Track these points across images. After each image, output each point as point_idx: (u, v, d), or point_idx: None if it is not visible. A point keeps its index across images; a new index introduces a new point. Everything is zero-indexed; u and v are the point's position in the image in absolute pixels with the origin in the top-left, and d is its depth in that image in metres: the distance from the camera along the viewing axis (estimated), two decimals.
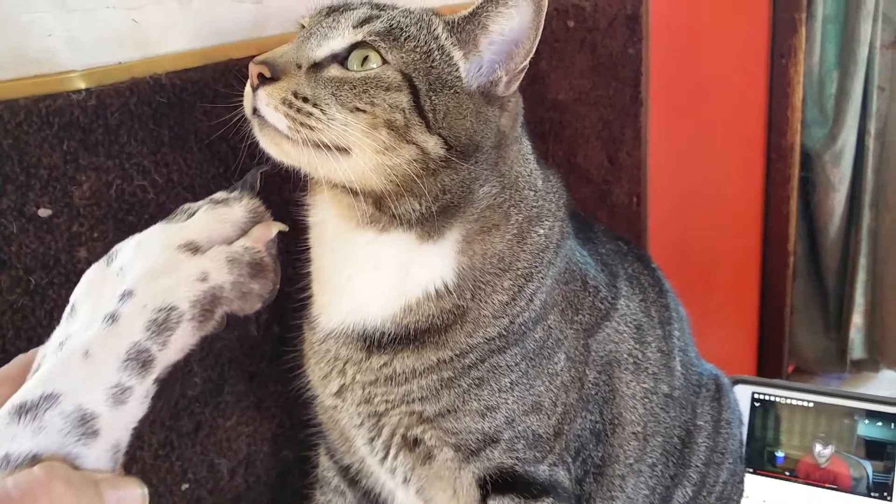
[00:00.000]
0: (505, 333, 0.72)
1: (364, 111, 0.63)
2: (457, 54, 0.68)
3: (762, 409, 1.09)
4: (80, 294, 0.48)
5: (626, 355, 0.82)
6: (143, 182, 0.74)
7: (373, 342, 0.71)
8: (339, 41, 0.66)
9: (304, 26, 0.70)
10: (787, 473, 1.07)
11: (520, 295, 0.73)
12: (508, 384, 0.72)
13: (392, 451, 0.74)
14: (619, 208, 1.52)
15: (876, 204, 2.43)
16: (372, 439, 0.74)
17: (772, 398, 1.09)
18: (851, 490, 1.03)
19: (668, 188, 1.71)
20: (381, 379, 0.71)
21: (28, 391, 0.42)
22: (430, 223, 0.68)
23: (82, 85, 0.71)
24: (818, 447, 1.06)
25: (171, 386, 0.79)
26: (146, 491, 0.43)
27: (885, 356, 2.51)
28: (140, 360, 0.44)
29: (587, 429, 0.79)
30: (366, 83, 0.64)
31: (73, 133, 0.70)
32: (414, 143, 0.65)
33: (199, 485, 0.83)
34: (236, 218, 0.53)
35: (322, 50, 0.66)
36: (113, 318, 0.45)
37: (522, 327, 0.73)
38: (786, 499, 1.06)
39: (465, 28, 0.68)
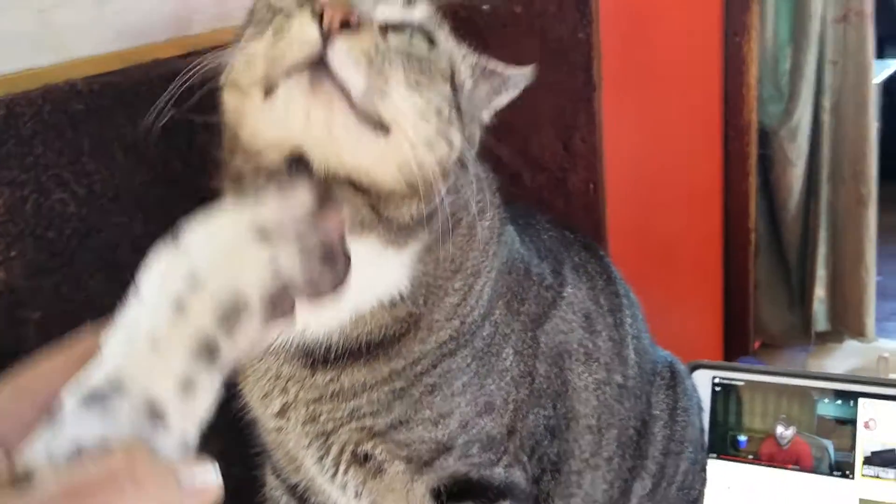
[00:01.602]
0: (456, 335, 0.69)
1: (420, 92, 0.57)
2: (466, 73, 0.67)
3: (723, 394, 1.08)
4: (147, 277, 0.45)
5: (575, 345, 0.80)
6: (63, 195, 0.70)
7: (317, 357, 0.67)
8: (411, 14, 0.60)
9: None
10: (751, 457, 1.06)
11: (470, 294, 0.71)
12: (461, 387, 0.70)
13: (342, 468, 0.71)
14: (576, 195, 1.50)
15: (833, 178, 2.45)
16: (321, 458, 0.71)
17: (732, 382, 1.08)
18: (814, 470, 1.03)
19: (625, 172, 1.70)
20: (326, 395, 0.67)
21: (96, 379, 0.40)
22: (404, 230, 0.63)
23: None
24: (780, 429, 1.05)
25: None
26: (220, 480, 0.42)
27: (848, 327, 2.53)
28: (208, 350, 0.42)
29: (541, 425, 0.76)
30: (425, 63, 0.59)
31: None
32: (448, 141, 0.60)
33: None
34: (304, 200, 0.49)
35: (392, 12, 0.59)
36: (180, 305, 0.42)
37: (472, 326, 0.71)
38: (750, 482, 1.06)
39: (483, 71, 0.70)
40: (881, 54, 2.86)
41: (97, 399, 0.39)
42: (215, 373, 0.42)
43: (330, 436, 0.70)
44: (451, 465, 0.70)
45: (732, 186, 2.29)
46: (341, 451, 0.70)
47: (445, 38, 0.65)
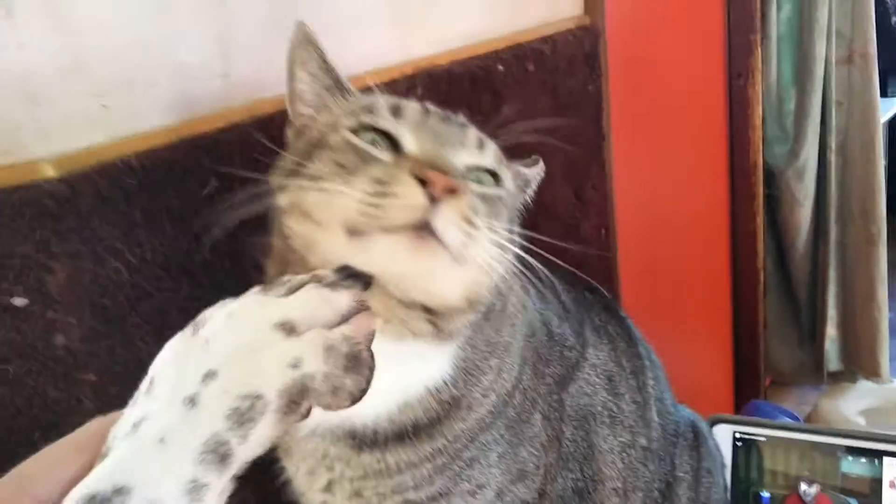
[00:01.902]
0: (492, 409, 0.72)
1: (493, 225, 0.60)
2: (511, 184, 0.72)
3: (745, 449, 1.09)
4: (161, 367, 0.43)
5: (600, 408, 0.83)
6: (117, 264, 0.75)
7: (364, 439, 0.69)
8: (484, 159, 0.65)
9: (370, 87, 0.71)
10: None
11: (503, 368, 0.74)
12: (496, 458, 0.73)
13: None
14: (588, 242, 1.54)
15: (842, 216, 2.48)
16: None
17: (754, 437, 1.09)
18: None
19: (635, 216, 1.74)
20: (371, 473, 0.70)
21: (99, 481, 0.38)
22: (455, 332, 0.67)
23: (53, 173, 0.72)
24: (803, 486, 1.06)
25: None
26: None
27: (860, 367, 2.54)
28: (218, 452, 0.39)
29: (569, 487, 0.79)
30: (495, 201, 0.64)
31: (45, 222, 0.70)
32: (507, 256, 0.62)
33: None
34: (341, 304, 0.47)
35: (468, 158, 0.64)
36: (192, 401, 0.40)
37: (505, 397, 0.74)
38: None
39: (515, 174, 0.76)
40: (885, 92, 2.89)
41: None
42: (225, 475, 0.40)
43: None
44: None
45: (740, 227, 2.33)
46: None
47: (502, 162, 0.69)
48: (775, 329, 2.54)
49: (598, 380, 0.83)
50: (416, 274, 0.58)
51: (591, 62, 1.47)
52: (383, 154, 0.60)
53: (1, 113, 0.70)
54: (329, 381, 0.43)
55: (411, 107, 0.65)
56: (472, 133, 0.67)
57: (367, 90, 0.99)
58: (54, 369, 0.72)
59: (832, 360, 2.56)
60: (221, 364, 0.41)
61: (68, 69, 0.74)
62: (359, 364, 0.45)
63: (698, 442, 0.96)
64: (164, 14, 0.81)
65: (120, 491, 0.38)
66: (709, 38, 2.15)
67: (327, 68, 0.71)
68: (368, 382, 0.46)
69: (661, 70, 1.89)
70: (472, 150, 0.65)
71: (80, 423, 0.74)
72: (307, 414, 0.43)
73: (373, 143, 0.61)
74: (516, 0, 1.33)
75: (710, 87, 2.19)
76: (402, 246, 0.55)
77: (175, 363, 0.43)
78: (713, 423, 1.07)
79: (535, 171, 0.79)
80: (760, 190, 2.29)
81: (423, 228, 0.54)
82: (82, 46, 0.75)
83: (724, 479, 1.00)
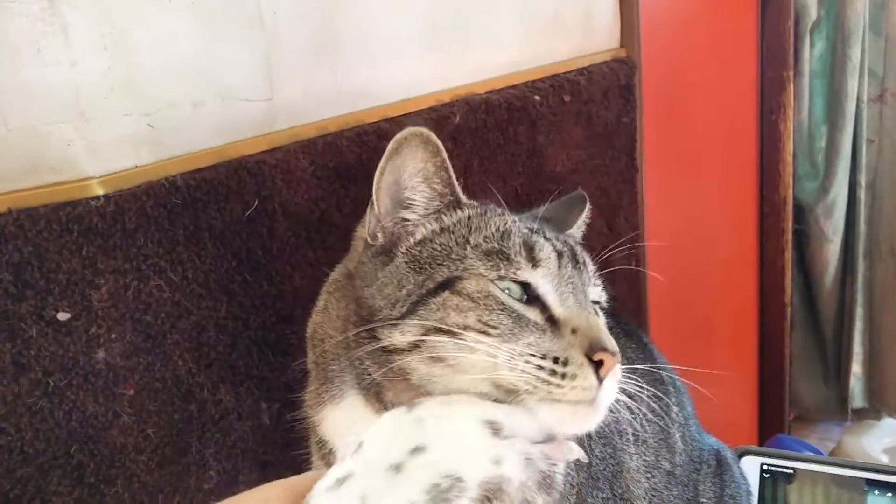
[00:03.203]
0: None
1: None
2: None
3: (772, 481, 1.09)
4: (373, 435, 0.46)
5: (625, 425, 0.82)
6: (160, 281, 0.76)
7: None
8: (599, 293, 0.67)
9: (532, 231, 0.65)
10: None
11: None
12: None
13: None
14: (618, 272, 1.54)
15: (870, 254, 2.46)
16: None
17: (781, 469, 1.09)
18: None
19: (665, 248, 1.74)
20: None
21: None
22: None
23: (100, 191, 0.73)
24: None
25: (187, 480, 0.80)
26: None
27: (886, 404, 2.51)
28: None
29: None
30: None
31: (92, 238, 0.72)
32: None
33: None
34: (543, 423, 0.51)
35: (592, 296, 0.65)
36: (398, 469, 0.43)
37: None
38: None
39: None
40: None
41: None
42: None
43: None
44: None
45: (768, 261, 2.32)
46: None
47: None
48: (800, 364, 2.52)
49: (620, 397, 0.83)
50: (590, 426, 0.60)
51: (626, 94, 1.47)
52: (534, 315, 0.59)
53: (52, 129, 0.72)
54: (522, 491, 0.45)
55: (545, 250, 0.62)
56: (591, 268, 0.67)
57: (410, 116, 1.01)
58: (94, 383, 0.73)
59: (857, 397, 2.53)
60: (431, 442, 0.44)
61: (118, 88, 0.76)
62: (551, 485, 0.47)
63: (722, 469, 0.96)
64: (211, 38, 0.82)
65: None
66: (742, 74, 2.15)
67: (447, 178, 0.64)
68: None
69: (694, 104, 1.89)
70: (593, 288, 0.66)
71: (118, 438, 0.75)
72: None
73: (510, 293, 0.60)
74: (554, 31, 1.34)
75: (742, 122, 2.19)
76: (566, 415, 0.56)
77: (386, 434, 0.46)
78: (741, 454, 1.07)
79: (585, 217, 0.80)
80: (790, 225, 2.28)
81: (590, 402, 0.57)
82: (132, 66, 0.77)
83: None
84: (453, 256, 0.61)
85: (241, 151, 0.84)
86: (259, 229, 0.84)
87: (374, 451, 0.44)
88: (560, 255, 0.63)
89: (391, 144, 0.62)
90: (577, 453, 0.51)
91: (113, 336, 0.73)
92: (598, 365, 0.57)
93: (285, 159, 0.86)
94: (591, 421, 0.58)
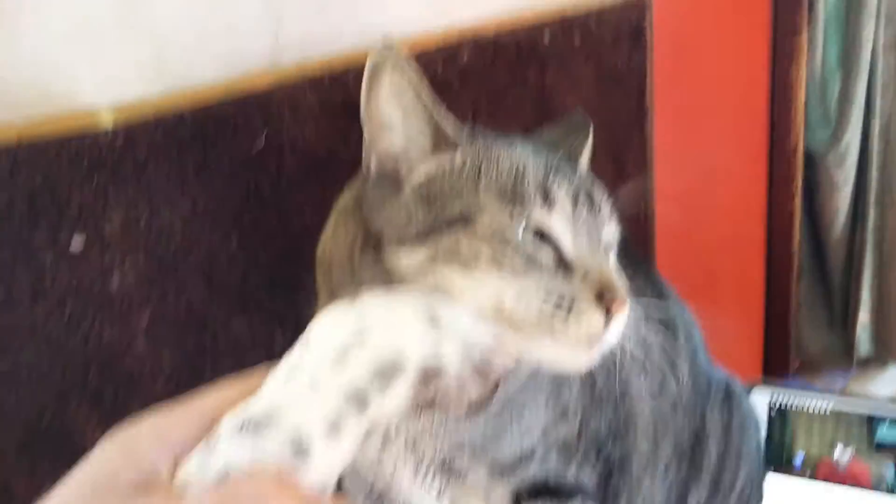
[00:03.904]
0: None
1: None
2: None
3: (780, 414, 1.10)
4: (318, 327, 0.49)
5: (630, 353, 0.84)
6: (171, 213, 0.77)
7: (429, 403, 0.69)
8: (614, 233, 0.66)
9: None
10: (808, 475, 1.08)
11: None
12: (544, 400, 0.75)
13: (428, 476, 0.75)
14: (625, 214, 1.54)
15: (881, 202, 2.45)
16: (414, 469, 0.74)
17: (789, 403, 1.10)
18: (874, 488, 1.05)
19: (673, 194, 1.74)
20: (430, 429, 0.71)
21: (253, 408, 0.44)
22: None
23: (109, 121, 0.74)
24: (838, 450, 1.07)
25: None
26: None
27: (891, 352, 2.52)
28: (359, 399, 0.45)
29: (602, 428, 0.81)
30: None
31: (103, 169, 0.73)
32: None
33: None
34: (485, 330, 0.53)
35: (606, 238, 0.64)
36: (344, 354, 0.46)
37: None
38: (806, 499, 1.08)
39: None
40: None
41: (252, 426, 0.43)
42: (361, 424, 0.45)
43: (426, 456, 0.73)
44: (532, 471, 0.75)
45: (777, 208, 2.31)
46: (431, 461, 0.74)
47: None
48: (807, 312, 2.53)
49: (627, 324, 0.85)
50: (593, 361, 0.61)
51: (636, 37, 1.46)
52: (545, 256, 0.59)
53: (60, 60, 0.72)
54: (458, 379, 0.48)
55: (561, 192, 0.61)
56: (606, 209, 0.66)
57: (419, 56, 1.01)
58: (109, 310, 0.75)
59: (863, 345, 2.54)
60: (373, 331, 0.47)
61: (126, 19, 0.76)
62: (488, 375, 0.51)
63: (730, 400, 0.97)
64: None
65: (270, 417, 0.43)
66: (755, 17, 2.12)
67: (428, 106, 0.63)
68: (490, 398, 0.52)
69: (705, 48, 1.87)
70: (607, 229, 0.65)
71: (134, 364, 0.77)
72: (431, 402, 0.50)
73: (523, 233, 0.60)
74: None
75: (754, 68, 2.17)
76: (569, 352, 0.58)
77: (331, 325, 0.49)
78: (750, 389, 1.08)
79: (590, 142, 0.79)
80: (800, 173, 2.27)
81: (593, 343, 0.58)
82: None
83: (758, 439, 1.02)
84: (466, 194, 0.61)
85: (249, 86, 0.84)
86: (268, 164, 0.85)
87: (321, 341, 0.48)
88: (576, 197, 0.62)
89: (367, 67, 0.62)
90: (512, 362, 0.54)
91: (126, 265, 0.75)
92: (606, 308, 0.58)
93: (293, 95, 0.86)
94: (590, 361, 0.60)
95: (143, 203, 0.75)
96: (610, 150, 1.42)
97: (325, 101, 0.90)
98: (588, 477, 0.80)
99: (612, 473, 0.83)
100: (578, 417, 0.78)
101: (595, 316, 0.58)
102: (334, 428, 0.44)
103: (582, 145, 0.78)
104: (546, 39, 1.23)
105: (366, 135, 0.65)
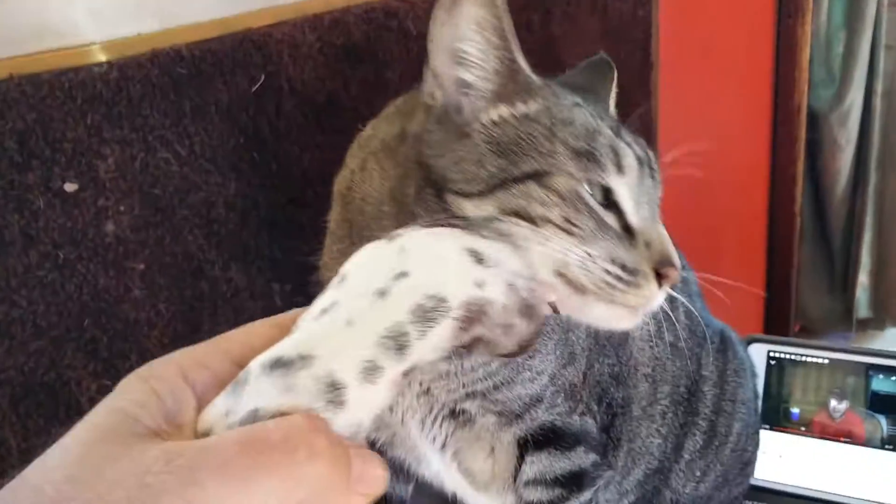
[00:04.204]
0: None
1: None
2: None
3: (777, 367, 1.11)
4: (355, 265, 0.46)
5: None
6: (167, 154, 0.74)
7: None
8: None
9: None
10: (803, 429, 1.09)
11: None
12: (553, 345, 0.74)
13: (436, 424, 0.74)
14: None
15: (882, 164, 2.44)
16: (422, 419, 0.74)
17: (787, 356, 1.11)
18: (866, 443, 1.06)
19: (675, 151, 1.71)
20: (444, 374, 0.70)
21: (285, 349, 0.41)
22: None
23: (103, 57, 0.71)
24: (833, 403, 1.08)
25: None
26: (387, 475, 0.43)
27: (890, 314, 2.53)
28: (397, 341, 0.42)
29: (605, 372, 0.80)
30: None
31: (97, 106, 0.70)
32: None
33: None
34: (531, 258, 0.51)
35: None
36: (382, 293, 0.43)
37: None
38: (802, 453, 1.08)
39: None
40: None
41: (282, 366, 0.40)
42: (398, 368, 0.42)
43: (436, 402, 0.72)
44: (540, 416, 0.74)
45: (779, 170, 2.29)
46: (440, 410, 0.73)
47: None
48: (807, 275, 2.52)
49: None
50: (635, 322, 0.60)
51: None
52: (612, 222, 0.58)
53: None
54: (504, 316, 0.45)
55: (630, 157, 0.60)
56: (658, 174, 0.65)
57: None
58: (104, 256, 0.72)
59: (862, 308, 2.54)
60: (414, 267, 0.44)
61: None
62: (533, 314, 0.47)
63: (725, 347, 0.97)
64: None
65: (304, 358, 0.40)
66: None
67: (506, 41, 0.59)
68: (537, 336, 0.47)
69: (711, 2, 1.84)
70: (659, 193, 0.65)
71: (130, 312, 0.75)
72: (473, 343, 0.45)
73: (594, 196, 0.58)
74: None
75: (759, 24, 2.13)
76: (619, 315, 0.58)
77: (369, 263, 0.46)
78: (749, 342, 1.09)
79: (615, 86, 0.79)
80: (803, 134, 2.24)
81: (643, 307, 0.58)
82: None
83: (755, 386, 1.02)
84: (541, 149, 0.58)
85: (247, 23, 0.81)
86: (266, 106, 0.82)
87: (358, 279, 0.44)
88: (641, 162, 0.61)
89: None
90: (554, 297, 0.52)
91: (121, 209, 0.72)
92: (661, 277, 0.58)
93: (291, 33, 0.83)
94: (638, 321, 0.59)
95: (138, 142, 0.72)
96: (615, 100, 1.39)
97: (324, 41, 0.86)
98: (591, 425, 0.79)
99: (613, 422, 0.82)
100: (584, 361, 0.77)
101: (653, 286, 0.58)
102: (370, 371, 0.41)
103: (609, 91, 0.75)
104: None
105: (433, 63, 0.60)
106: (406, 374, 0.43)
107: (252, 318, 0.84)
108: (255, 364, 0.40)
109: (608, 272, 0.56)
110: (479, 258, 0.46)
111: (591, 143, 0.59)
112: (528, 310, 0.47)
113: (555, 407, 0.75)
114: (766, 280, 2.39)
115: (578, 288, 0.55)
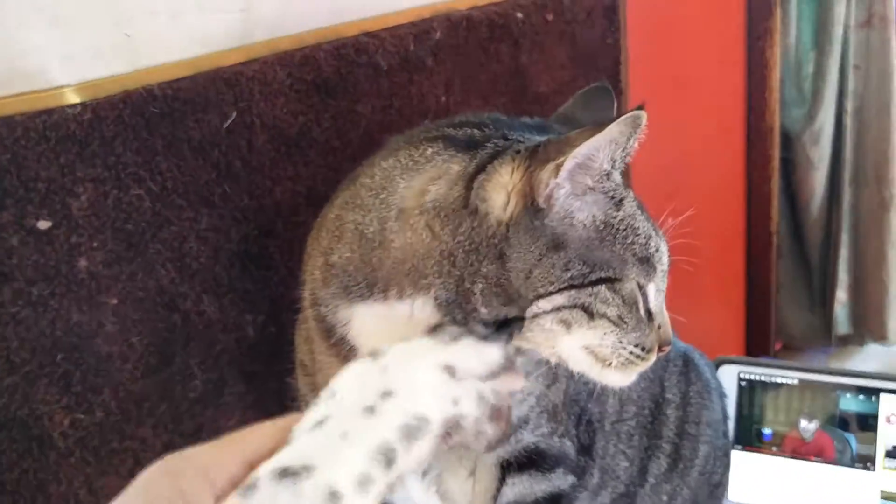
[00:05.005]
0: None
1: None
2: None
3: (749, 388, 1.12)
4: (342, 382, 0.51)
5: None
6: (139, 191, 0.76)
7: None
8: None
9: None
10: (775, 449, 1.11)
11: None
12: (536, 365, 0.75)
13: None
14: None
15: (856, 181, 2.47)
16: None
17: (757, 377, 1.12)
18: (837, 462, 1.07)
19: (649, 175, 1.74)
20: None
21: (289, 458, 0.46)
22: None
23: (76, 99, 0.72)
24: (803, 422, 1.09)
25: (173, 390, 0.81)
26: None
27: (869, 330, 2.55)
28: (387, 456, 0.47)
29: (582, 391, 0.84)
30: None
31: (70, 146, 0.71)
32: None
33: None
34: (492, 359, 0.55)
35: None
36: (372, 411, 0.49)
37: None
38: (774, 473, 1.10)
39: None
40: None
41: (288, 475, 0.44)
42: (388, 477, 0.47)
43: None
44: (525, 438, 0.77)
45: (755, 189, 2.32)
46: None
47: None
48: (787, 293, 2.55)
49: None
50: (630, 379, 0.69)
51: (610, 15, 1.46)
52: (643, 311, 0.66)
53: (26, 37, 0.71)
54: (475, 425, 0.52)
55: (665, 257, 0.69)
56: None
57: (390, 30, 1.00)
58: (77, 292, 0.73)
59: (842, 324, 2.56)
60: (398, 388, 0.50)
61: None
62: (500, 416, 0.53)
63: (688, 368, 1.00)
64: None
65: (307, 468, 0.45)
66: None
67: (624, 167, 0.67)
68: (505, 435, 0.54)
69: (680, 27, 1.87)
70: None
71: (103, 347, 0.76)
72: (450, 448, 0.52)
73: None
74: None
75: (728, 47, 2.17)
76: (626, 379, 0.67)
77: (356, 380, 0.52)
78: (719, 363, 1.11)
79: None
80: (776, 153, 2.28)
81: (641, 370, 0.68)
82: None
83: (723, 408, 1.04)
84: (617, 256, 0.64)
85: (218, 62, 0.83)
86: (238, 141, 0.84)
87: (348, 395, 0.50)
88: (667, 257, 0.69)
89: (626, 117, 0.62)
90: (520, 384, 0.57)
91: (94, 245, 0.74)
92: (659, 348, 0.68)
93: (262, 70, 0.85)
94: (631, 381, 0.68)
95: (111, 180, 0.74)
96: None
97: (295, 78, 0.89)
98: (569, 448, 0.81)
99: (594, 439, 0.85)
100: (564, 380, 0.79)
101: (653, 357, 0.67)
102: (364, 483, 0.46)
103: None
104: (519, 16, 1.22)
105: (561, 169, 0.61)
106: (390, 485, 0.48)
107: (224, 351, 0.86)
108: (265, 472, 0.45)
109: (632, 353, 0.65)
110: (451, 372, 0.52)
111: (648, 249, 0.66)
112: (495, 413, 0.53)
113: (539, 428, 0.77)
114: (745, 298, 2.41)
115: (601, 360, 0.64)
